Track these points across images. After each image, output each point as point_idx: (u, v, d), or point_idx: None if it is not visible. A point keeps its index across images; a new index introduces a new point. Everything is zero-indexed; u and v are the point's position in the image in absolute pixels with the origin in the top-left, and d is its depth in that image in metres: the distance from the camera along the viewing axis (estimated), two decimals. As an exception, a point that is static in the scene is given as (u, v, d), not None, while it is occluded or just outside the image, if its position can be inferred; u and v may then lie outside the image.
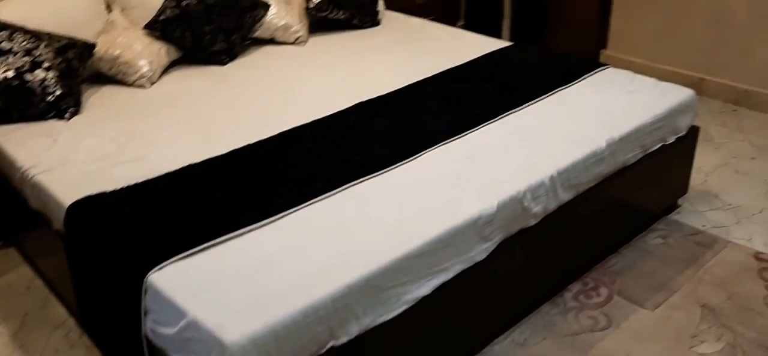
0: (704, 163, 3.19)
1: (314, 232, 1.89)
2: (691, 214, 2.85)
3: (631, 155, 2.51)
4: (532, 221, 2.17)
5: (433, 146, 2.34)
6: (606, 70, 2.96)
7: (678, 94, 2.71)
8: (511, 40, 4.77)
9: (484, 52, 3.19)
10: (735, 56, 3.79)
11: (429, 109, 2.63)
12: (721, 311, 2.29)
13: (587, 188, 2.35)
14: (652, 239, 2.68)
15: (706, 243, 2.64)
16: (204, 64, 3.13)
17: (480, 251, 2.01)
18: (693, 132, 2.79)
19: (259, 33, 3.37)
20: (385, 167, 2.20)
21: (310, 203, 2.01)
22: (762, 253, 2.57)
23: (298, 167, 2.23)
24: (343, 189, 2.09)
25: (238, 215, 1.94)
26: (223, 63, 3.16)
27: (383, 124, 2.51)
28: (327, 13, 3.56)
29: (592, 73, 2.91)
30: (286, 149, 2.34)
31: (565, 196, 2.27)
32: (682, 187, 2.88)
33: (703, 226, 2.76)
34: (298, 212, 1.98)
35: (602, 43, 4.43)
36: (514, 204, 2.08)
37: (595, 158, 2.34)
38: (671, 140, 2.67)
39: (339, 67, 3.12)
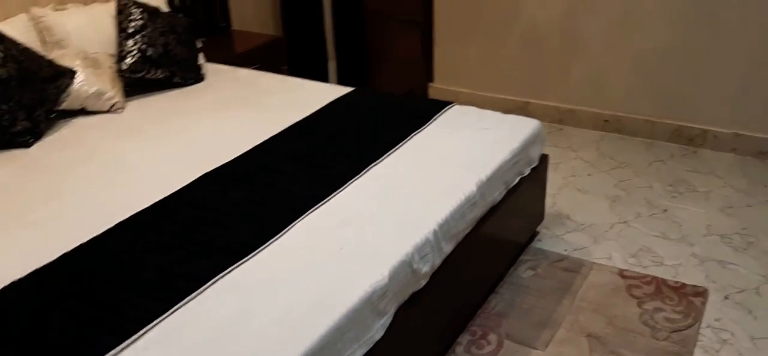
0: (548, 186, 3.27)
1: (187, 347, 1.59)
2: (552, 239, 2.89)
3: (498, 194, 2.47)
4: (423, 282, 2.03)
5: (302, 215, 2.11)
6: (452, 108, 2.92)
7: (527, 126, 2.74)
8: (339, 82, 4.72)
9: (327, 100, 3.02)
10: (554, 78, 3.99)
11: (286, 172, 2.40)
12: (606, 338, 2.30)
13: (465, 235, 2.27)
14: (524, 272, 2.67)
15: (573, 268, 2.68)
16: (5, 149, 2.63)
17: (378, 329, 1.82)
18: (544, 160, 2.84)
19: (66, 104, 2.91)
20: (255, 249, 1.93)
21: (176, 309, 1.70)
22: (625, 270, 2.66)
23: (149, 264, 1.89)
24: (211, 284, 1.79)
25: (88, 341, 1.58)
26: (28, 145, 2.68)
27: (239, 196, 2.24)
28: (143, 73, 3.18)
29: (440, 113, 2.86)
30: (130, 244, 1.99)
31: (448, 248, 2.16)
32: (540, 215, 2.92)
33: (566, 250, 2.81)
34: (162, 322, 1.66)
35: (429, 76, 4.48)
36: (405, 269, 1.92)
37: (469, 203, 2.26)
38: (527, 171, 2.69)
39: (169, 133, 2.77)
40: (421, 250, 2.00)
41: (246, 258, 1.89)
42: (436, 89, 4.46)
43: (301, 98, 3.10)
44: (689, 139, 3.67)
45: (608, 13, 3.70)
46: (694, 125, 3.65)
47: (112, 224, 2.06)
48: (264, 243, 1.96)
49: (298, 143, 2.63)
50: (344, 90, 3.18)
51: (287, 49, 4.70)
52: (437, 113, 2.86)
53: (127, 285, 1.79)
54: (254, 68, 3.69)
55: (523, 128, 2.72)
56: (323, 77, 4.73)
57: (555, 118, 4.03)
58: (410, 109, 2.94)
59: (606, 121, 3.89)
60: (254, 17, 4.53)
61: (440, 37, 4.36)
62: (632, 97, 3.78)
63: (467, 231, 2.28)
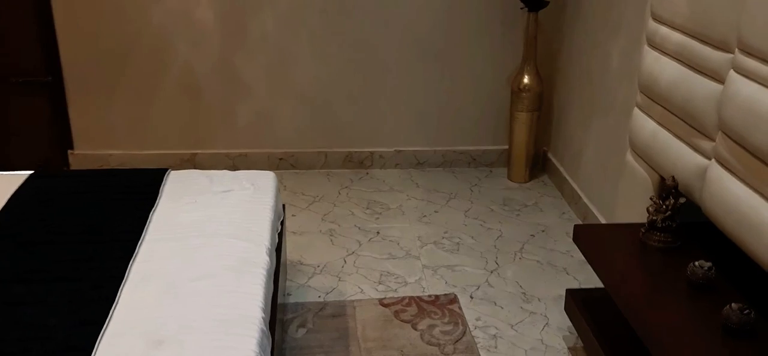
0: (262, 235, 3.15)
1: None
2: (302, 290, 2.80)
3: (273, 258, 2.29)
4: (270, 382, 1.77)
5: (91, 352, 1.63)
6: (169, 177, 2.58)
7: (266, 179, 2.60)
8: (-56, 168, 3.71)
9: (5, 197, 2.36)
10: (220, 124, 3.85)
11: (27, 300, 1.80)
12: (409, 369, 2.35)
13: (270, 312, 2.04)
14: (296, 332, 2.53)
15: (338, 313, 2.65)
16: None
17: None
18: (284, 210, 2.73)
19: None
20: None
21: None
22: (383, 298, 2.74)
23: None
24: None
25: None
26: None
27: (-20, 354, 1.60)
28: None
29: (161, 184, 2.50)
30: None
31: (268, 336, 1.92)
32: (284, 267, 2.79)
33: (321, 297, 2.75)
34: None
35: (67, 143, 3.84)
36: (261, 373, 1.65)
37: (269, 275, 2.05)
38: (279, 226, 2.55)
39: None
40: (262, 345, 1.74)
41: None
42: (79, 156, 3.86)
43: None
44: (359, 162, 3.95)
45: (265, 53, 3.72)
46: (362, 149, 3.94)
47: None
48: (73, 405, 1.46)
49: (9, 259, 2.00)
50: (18, 178, 2.52)
51: None
52: (158, 184, 2.50)
53: None
54: None
55: (263, 182, 2.57)
56: None
57: (228, 164, 3.88)
58: (121, 186, 2.51)
59: (280, 159, 3.92)
60: None
61: (75, 97, 3.78)
62: (301, 131, 3.89)
63: (270, 308, 2.06)
